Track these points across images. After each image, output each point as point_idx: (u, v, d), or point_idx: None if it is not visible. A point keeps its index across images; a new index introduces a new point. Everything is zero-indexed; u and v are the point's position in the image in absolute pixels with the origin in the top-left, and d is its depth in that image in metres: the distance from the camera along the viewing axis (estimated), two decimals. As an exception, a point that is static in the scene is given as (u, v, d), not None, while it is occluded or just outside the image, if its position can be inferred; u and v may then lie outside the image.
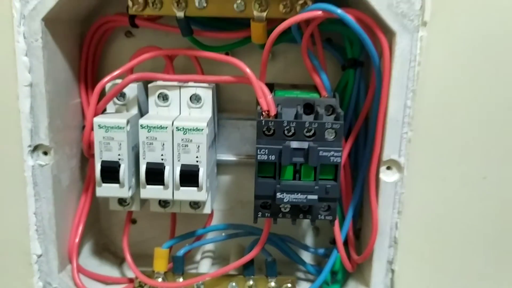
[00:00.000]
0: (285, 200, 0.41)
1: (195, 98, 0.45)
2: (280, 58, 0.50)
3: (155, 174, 0.42)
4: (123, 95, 0.45)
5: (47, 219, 0.44)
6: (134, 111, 0.45)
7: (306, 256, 0.52)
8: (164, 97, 0.45)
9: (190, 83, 0.45)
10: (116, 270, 0.52)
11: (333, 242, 0.48)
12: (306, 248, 0.51)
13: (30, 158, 0.43)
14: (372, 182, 0.42)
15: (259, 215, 0.42)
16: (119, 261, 0.54)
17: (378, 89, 0.42)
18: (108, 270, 0.51)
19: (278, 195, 0.40)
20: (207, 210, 0.47)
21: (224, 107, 0.51)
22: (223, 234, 0.50)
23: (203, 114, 0.45)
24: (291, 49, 0.49)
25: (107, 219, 0.54)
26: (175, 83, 0.44)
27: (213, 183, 0.49)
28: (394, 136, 0.41)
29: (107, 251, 0.54)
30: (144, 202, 0.48)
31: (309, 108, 0.42)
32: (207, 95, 0.45)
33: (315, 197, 0.40)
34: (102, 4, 0.47)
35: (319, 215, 0.42)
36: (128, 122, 0.42)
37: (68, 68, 0.45)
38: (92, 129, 0.43)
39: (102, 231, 0.54)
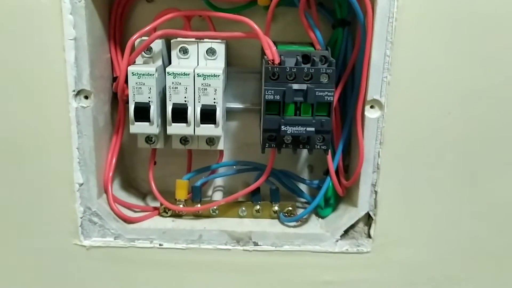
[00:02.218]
0: (288, 132, 0.50)
1: (211, 51, 0.53)
2: (279, 19, 0.58)
3: (180, 113, 0.51)
4: (149, 49, 0.53)
5: (88, 153, 0.52)
6: (159, 63, 0.53)
7: (302, 189, 0.61)
8: (185, 51, 0.53)
9: (206, 39, 0.53)
10: (141, 202, 0.61)
11: (326, 173, 0.57)
12: (303, 180, 0.60)
13: (74, 101, 0.51)
14: (359, 119, 0.52)
15: (266, 146, 0.51)
16: (142, 196, 0.62)
17: (363, 42, 0.51)
18: (134, 202, 0.60)
19: (283, 128, 0.49)
20: (220, 146, 0.56)
21: (231, 62, 0.59)
22: (234, 167, 0.59)
23: (218, 64, 0.53)
24: (289, 12, 0.57)
25: (131, 160, 0.62)
26: (194, 39, 0.53)
27: (224, 127, 0.58)
28: (376, 80, 0.50)
29: (131, 187, 0.63)
30: (167, 140, 0.56)
31: (306, 59, 0.50)
32: (220, 48, 0.53)
33: (313, 129, 0.50)
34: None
35: (316, 145, 0.51)
36: (156, 70, 0.51)
37: (102, 27, 0.53)
38: (126, 76, 0.51)
39: (126, 170, 0.63)
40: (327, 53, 0.50)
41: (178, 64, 0.53)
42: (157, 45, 0.53)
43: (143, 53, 0.53)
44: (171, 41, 0.53)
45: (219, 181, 0.63)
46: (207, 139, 0.56)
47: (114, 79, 0.56)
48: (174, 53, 0.53)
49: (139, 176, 0.63)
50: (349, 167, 0.58)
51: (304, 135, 0.50)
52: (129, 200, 0.59)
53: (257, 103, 0.60)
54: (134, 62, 0.53)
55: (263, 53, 0.54)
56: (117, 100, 0.56)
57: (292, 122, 0.49)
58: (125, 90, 0.53)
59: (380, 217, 0.54)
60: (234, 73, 0.59)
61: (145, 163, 0.61)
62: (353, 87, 0.55)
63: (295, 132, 0.50)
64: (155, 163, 0.62)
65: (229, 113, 0.60)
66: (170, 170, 0.61)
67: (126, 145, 0.61)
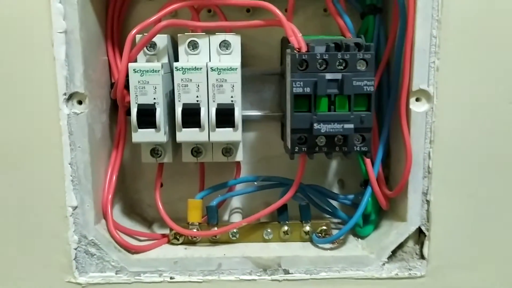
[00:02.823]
0: (322, 131, 0.41)
1: (224, 45, 0.46)
2: (300, 13, 0.51)
3: (191, 115, 0.43)
4: (153, 45, 0.45)
5: (83, 169, 0.44)
6: (165, 61, 0.46)
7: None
8: (194, 46, 0.45)
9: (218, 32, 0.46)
10: (147, 230, 0.52)
11: (364, 184, 0.48)
12: (335, 196, 0.51)
13: (65, 106, 0.43)
14: (403, 114, 0.43)
15: (296, 150, 0.42)
16: (147, 224, 0.53)
17: (402, 23, 0.43)
18: (139, 230, 0.51)
19: (315, 125, 0.41)
20: (239, 157, 0.48)
21: (246, 63, 0.52)
22: (256, 183, 0.50)
23: (233, 59, 0.45)
24: (309, 4, 0.51)
25: (134, 181, 0.54)
26: (204, 33, 0.45)
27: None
28: (422, 66, 0.43)
29: (135, 213, 0.54)
30: (176, 154, 0.48)
31: (337, 48, 0.43)
32: (235, 41, 0.46)
33: (351, 126, 0.41)
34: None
35: (355, 147, 0.43)
36: (162, 66, 0.43)
37: (97, 22, 0.46)
38: (126, 76, 0.43)
39: (129, 194, 0.54)
40: (361, 40, 0.43)
41: (187, 61, 0.45)
42: (162, 41, 0.46)
43: (145, 50, 0.45)
44: (178, 35, 0.46)
45: (236, 203, 0.54)
46: (223, 149, 0.47)
47: (113, 85, 0.48)
48: (182, 49, 0.45)
49: (144, 201, 0.54)
50: (389, 179, 0.50)
51: (341, 133, 0.42)
52: (132, 227, 0.50)
53: (277, 110, 0.52)
54: (136, 60, 0.45)
55: (284, 47, 0.47)
56: (117, 110, 0.48)
57: (327, 119, 0.41)
58: (125, 97, 0.45)
59: (435, 233, 0.45)
60: (250, 75, 0.51)
61: (150, 186, 0.52)
62: (389, 81, 0.47)
63: (331, 130, 0.41)
64: (161, 185, 0.53)
65: (246, 122, 0.52)
66: (180, 192, 0.52)
67: (128, 164, 0.53)
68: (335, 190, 0.54)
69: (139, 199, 0.54)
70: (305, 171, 0.51)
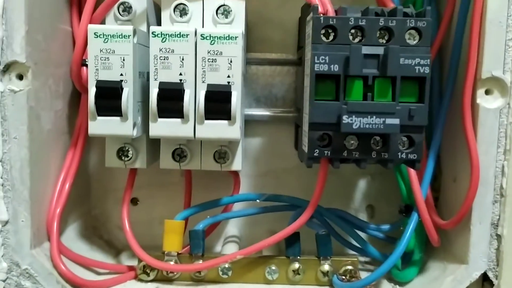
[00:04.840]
0: (354, 127, 0.29)
1: (223, 12, 0.34)
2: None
3: (171, 100, 0.31)
4: (128, 9, 0.34)
5: (18, 169, 0.31)
6: (143, 30, 0.34)
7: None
8: (183, 11, 0.34)
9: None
10: (112, 261, 0.39)
11: (405, 210, 0.35)
12: (364, 226, 0.38)
13: (-1, 81, 0.31)
14: (467, 111, 0.31)
15: (315, 154, 0.30)
16: (115, 252, 0.41)
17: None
18: (101, 259, 0.38)
19: (345, 119, 0.29)
20: (237, 165, 0.35)
21: (253, 48, 0.40)
22: (258, 201, 0.37)
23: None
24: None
25: (101, 200, 0.42)
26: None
27: (242, 142, 0.37)
28: (495, 45, 0.31)
29: (99, 237, 0.41)
30: (153, 157, 0.36)
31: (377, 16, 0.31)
32: (239, 7, 0.34)
33: (396, 121, 0.29)
34: None
35: (400, 153, 0.30)
36: (135, 31, 0.31)
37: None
38: (85, 45, 0.32)
39: (94, 216, 0.42)
40: (410, 9, 0.31)
41: (171, 30, 0.34)
42: (140, 3, 0.34)
43: (117, 13, 0.34)
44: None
45: (232, 229, 0.42)
46: (215, 153, 0.35)
47: (76, 65, 0.36)
48: (166, 15, 0.34)
49: (112, 220, 0.42)
50: (438, 201, 0.37)
51: (382, 131, 0.29)
52: (91, 255, 0.37)
53: (291, 108, 0.40)
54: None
55: (302, 24, 0.35)
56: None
57: (361, 109, 0.29)
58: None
59: (508, 282, 0.32)
60: (256, 65, 0.40)
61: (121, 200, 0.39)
62: (441, 68, 0.35)
63: (366, 127, 0.29)
64: (136, 201, 0.41)
65: (250, 124, 0.41)
66: (161, 211, 0.40)
67: (96, 173, 0.41)
68: (363, 219, 0.41)
69: (106, 219, 0.42)
70: (324, 191, 0.39)
